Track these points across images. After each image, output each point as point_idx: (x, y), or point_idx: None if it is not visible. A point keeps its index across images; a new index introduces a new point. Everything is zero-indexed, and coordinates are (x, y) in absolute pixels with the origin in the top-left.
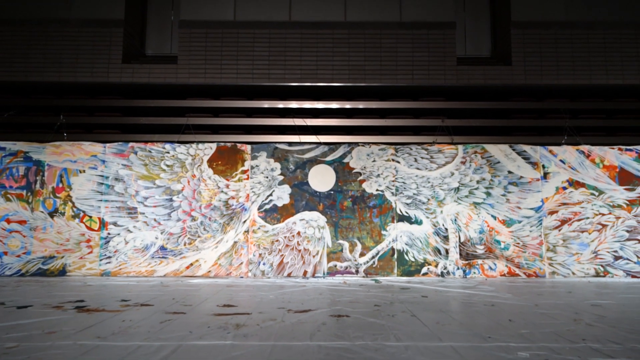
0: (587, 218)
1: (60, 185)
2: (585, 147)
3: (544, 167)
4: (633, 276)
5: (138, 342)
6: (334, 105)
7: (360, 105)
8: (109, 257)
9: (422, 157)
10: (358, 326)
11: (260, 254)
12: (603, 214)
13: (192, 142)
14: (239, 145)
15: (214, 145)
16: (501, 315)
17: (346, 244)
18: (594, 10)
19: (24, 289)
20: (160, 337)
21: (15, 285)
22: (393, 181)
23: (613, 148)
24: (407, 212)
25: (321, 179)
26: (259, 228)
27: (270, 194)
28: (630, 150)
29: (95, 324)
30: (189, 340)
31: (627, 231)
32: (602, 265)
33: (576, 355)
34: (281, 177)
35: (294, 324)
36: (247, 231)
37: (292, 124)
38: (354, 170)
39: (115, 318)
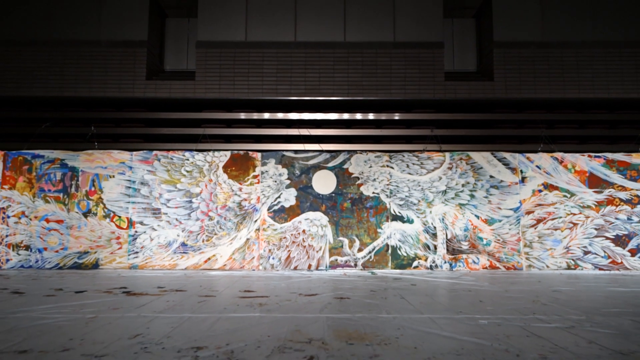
0: (560, 217)
1: (93, 189)
2: (558, 154)
3: (521, 172)
4: (600, 269)
5: (187, 315)
6: (334, 116)
7: (358, 116)
8: (136, 252)
9: (413, 164)
10: (357, 305)
11: (269, 250)
12: (574, 214)
13: (209, 150)
14: (250, 153)
15: (228, 153)
16: (475, 297)
17: (346, 241)
18: (567, 31)
19: (69, 279)
20: (203, 312)
21: (59, 276)
22: (387, 185)
23: (583, 155)
24: (400, 212)
25: (324, 183)
26: (268, 226)
27: (279, 196)
28: (599, 157)
29: (146, 303)
30: (226, 314)
31: (596, 229)
32: (573, 259)
33: (523, 322)
34: (288, 182)
35: (305, 303)
36: (258, 229)
37: (297, 133)
38: (353, 175)
39: (160, 299)
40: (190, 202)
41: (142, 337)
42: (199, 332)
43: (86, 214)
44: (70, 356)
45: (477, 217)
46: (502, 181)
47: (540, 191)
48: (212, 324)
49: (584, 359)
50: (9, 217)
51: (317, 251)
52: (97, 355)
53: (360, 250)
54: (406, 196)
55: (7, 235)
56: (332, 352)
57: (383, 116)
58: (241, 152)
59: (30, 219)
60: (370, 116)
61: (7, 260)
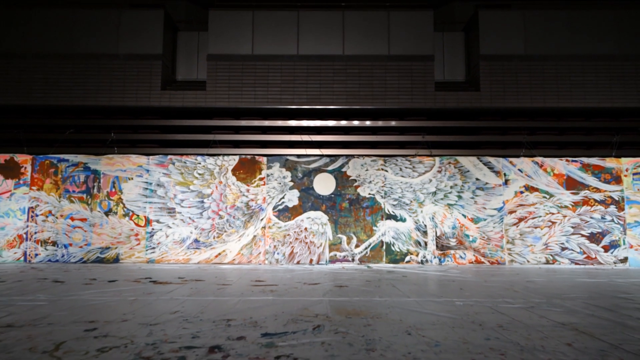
0: (540, 216)
1: (113, 190)
2: (539, 159)
3: (505, 175)
4: (576, 263)
5: (212, 297)
6: (333, 123)
7: (356, 123)
8: (153, 247)
9: (406, 167)
10: (354, 291)
11: (275, 246)
12: (553, 213)
13: (219, 154)
14: (257, 157)
15: (236, 158)
16: (456, 286)
17: (344, 238)
18: (547, 46)
19: (96, 271)
20: (224, 296)
21: (87, 269)
22: (382, 186)
23: (562, 159)
24: (393, 212)
25: (324, 184)
26: (273, 224)
27: (283, 197)
28: (575, 161)
29: (173, 290)
30: (244, 297)
31: (572, 227)
32: (551, 255)
33: (492, 304)
34: (291, 183)
35: (309, 290)
36: (264, 227)
37: (300, 139)
38: (351, 178)
39: (184, 287)
40: (202, 202)
41: (181, 313)
42: (225, 310)
43: (107, 213)
44: (130, 324)
45: (464, 216)
46: (487, 183)
47: (521, 192)
48: (234, 304)
49: (531, 327)
50: (37, 215)
51: (317, 247)
52: (151, 323)
53: (357, 246)
54: (399, 197)
55: (35, 232)
56: (334, 323)
57: (378, 123)
58: (248, 157)
59: (57, 218)
60: (367, 123)
61: (36, 254)
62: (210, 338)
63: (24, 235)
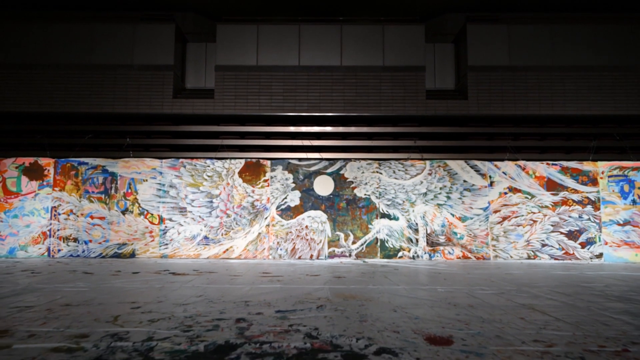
0: (522, 215)
1: (129, 191)
2: (521, 162)
3: (490, 177)
4: (555, 259)
5: (227, 285)
6: (332, 129)
7: (353, 129)
8: (166, 244)
9: (399, 170)
10: (351, 281)
11: (278, 242)
12: (534, 213)
13: (226, 158)
14: (261, 160)
15: (242, 161)
16: (441, 277)
17: (342, 235)
18: (530, 57)
19: (117, 264)
20: (237, 284)
21: (108, 263)
22: (377, 188)
23: (543, 163)
24: (387, 211)
25: (323, 186)
26: (277, 223)
27: (285, 197)
28: (555, 164)
29: (192, 279)
30: (255, 285)
31: (552, 225)
32: (532, 251)
33: (469, 290)
34: (293, 185)
35: (311, 280)
36: (268, 225)
37: (301, 144)
38: (348, 180)
39: (201, 277)
40: (211, 202)
41: (204, 297)
42: (241, 294)
43: (124, 212)
44: (165, 304)
45: (453, 215)
46: (473, 185)
47: (505, 193)
48: (248, 290)
49: (496, 307)
50: (59, 214)
51: (317, 243)
52: (182, 304)
53: (354, 242)
54: (393, 197)
55: (58, 230)
56: (334, 303)
57: (373, 129)
58: (253, 160)
59: (77, 216)
60: (363, 129)
61: (59, 250)
62: (234, 313)
63: (48, 232)
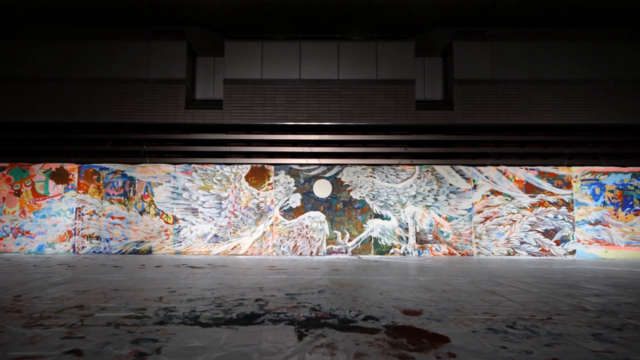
0: (503, 216)
1: (146, 193)
2: (502, 168)
3: (474, 181)
4: (533, 255)
5: (241, 276)
6: (330, 137)
7: (349, 137)
8: (180, 241)
9: (390, 174)
10: (347, 272)
11: (281, 240)
12: (513, 213)
13: (234, 163)
14: (265, 166)
15: (248, 166)
16: (425, 270)
17: (339, 233)
18: (511, 72)
19: (138, 260)
20: (250, 275)
21: (130, 258)
22: (371, 191)
23: (522, 168)
24: (380, 212)
25: (322, 189)
26: (280, 222)
27: (287, 199)
28: (533, 169)
29: (209, 272)
30: (265, 276)
31: (530, 225)
32: (512, 248)
33: (446, 280)
34: (295, 188)
35: (312, 272)
36: (272, 224)
37: (302, 151)
38: (344, 183)
39: (216, 270)
40: (220, 203)
41: (224, 284)
42: (255, 282)
43: (141, 212)
44: (195, 290)
45: (440, 215)
46: (459, 188)
47: (488, 196)
48: (260, 280)
49: (464, 292)
50: (83, 214)
51: (317, 241)
52: (209, 289)
53: (350, 240)
54: (385, 199)
55: (82, 229)
56: (332, 289)
57: (368, 137)
58: (259, 165)
59: (99, 216)
60: (358, 137)
61: (83, 247)
62: (253, 295)
63: (73, 231)
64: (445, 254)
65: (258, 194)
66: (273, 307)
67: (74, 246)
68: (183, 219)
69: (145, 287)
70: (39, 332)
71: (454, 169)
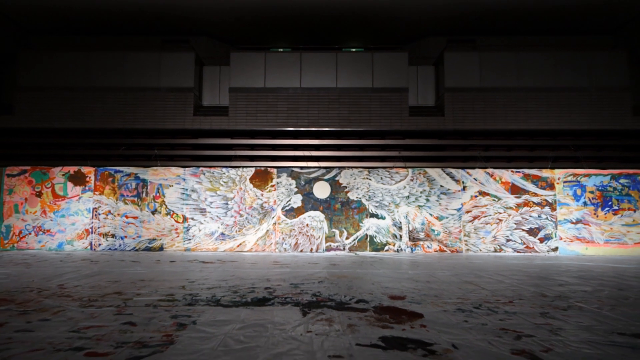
0: (490, 215)
1: (158, 195)
2: (490, 170)
3: (463, 182)
4: (518, 252)
5: (249, 270)
6: (329, 142)
7: (346, 142)
8: (189, 239)
9: (385, 176)
10: (344, 267)
11: (283, 238)
12: (500, 213)
13: (239, 166)
14: (269, 169)
15: (253, 169)
16: (416, 265)
17: (337, 232)
18: (498, 80)
19: (152, 256)
20: (257, 268)
21: (144, 255)
22: (367, 192)
23: (508, 170)
24: (375, 211)
25: (321, 190)
26: (282, 221)
27: (289, 200)
28: (519, 172)
29: (220, 266)
30: (270, 269)
31: (515, 223)
32: (498, 245)
33: (432, 273)
34: (296, 189)
35: (312, 266)
36: (274, 223)
37: (302, 154)
38: (342, 185)
39: (226, 264)
40: (227, 204)
41: (235, 276)
42: (262, 275)
43: (153, 212)
44: (211, 280)
45: (431, 214)
46: (449, 189)
47: (476, 196)
48: (266, 273)
49: (446, 282)
50: (99, 214)
51: (316, 239)
52: (223, 279)
53: (347, 238)
54: (380, 200)
55: (98, 227)
56: (330, 280)
57: (364, 142)
58: (262, 168)
59: (115, 216)
60: (355, 142)
61: (99, 244)
62: (262, 284)
63: (90, 230)
64: (436, 251)
65: (262, 194)
66: (280, 294)
67: (91, 243)
68: (192, 218)
69: (167, 279)
70: (94, 310)
71: (444, 172)
